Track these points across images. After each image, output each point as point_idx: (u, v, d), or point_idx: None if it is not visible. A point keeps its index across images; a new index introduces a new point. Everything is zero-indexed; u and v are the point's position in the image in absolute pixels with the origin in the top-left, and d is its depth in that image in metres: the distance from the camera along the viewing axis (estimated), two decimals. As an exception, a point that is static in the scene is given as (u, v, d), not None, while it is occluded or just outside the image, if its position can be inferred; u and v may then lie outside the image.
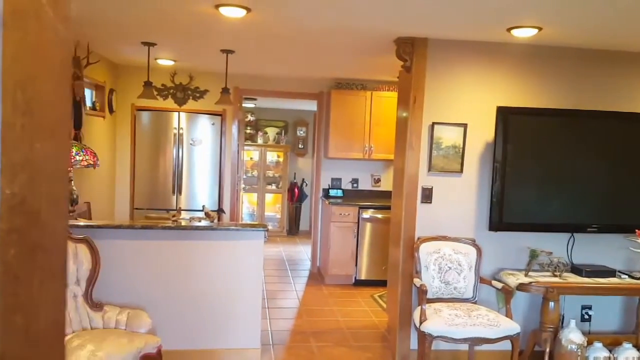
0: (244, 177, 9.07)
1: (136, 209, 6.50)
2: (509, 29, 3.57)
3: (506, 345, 3.59)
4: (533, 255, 3.96)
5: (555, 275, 3.91)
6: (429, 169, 4.07)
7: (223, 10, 3.35)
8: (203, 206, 4.40)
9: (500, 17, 3.34)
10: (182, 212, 4.55)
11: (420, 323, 3.54)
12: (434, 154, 4.05)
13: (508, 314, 3.65)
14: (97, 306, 3.31)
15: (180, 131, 6.50)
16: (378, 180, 6.93)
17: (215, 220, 4.20)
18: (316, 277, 6.72)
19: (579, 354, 3.65)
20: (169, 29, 4.15)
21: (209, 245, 3.89)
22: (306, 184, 9.75)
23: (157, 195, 6.54)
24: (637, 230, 3.83)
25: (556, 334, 3.78)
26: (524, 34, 3.63)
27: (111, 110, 6.06)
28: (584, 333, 3.77)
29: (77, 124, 4.35)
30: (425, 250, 3.93)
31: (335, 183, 6.86)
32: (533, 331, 3.99)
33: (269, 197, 9.76)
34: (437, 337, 3.48)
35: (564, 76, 4.13)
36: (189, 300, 3.87)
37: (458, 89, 4.06)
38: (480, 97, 4.08)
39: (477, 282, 3.94)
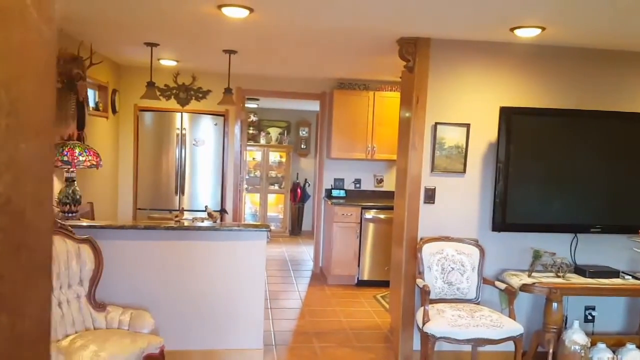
0: (247, 177, 9.07)
1: (139, 209, 6.51)
2: (512, 29, 3.56)
3: (509, 346, 3.58)
4: (536, 255, 3.94)
5: (559, 276, 3.89)
6: (432, 169, 4.06)
7: (226, 10, 3.35)
8: (206, 206, 4.41)
9: (503, 17, 3.33)
10: (185, 212, 4.55)
11: (423, 324, 3.53)
12: (437, 154, 4.04)
13: (511, 315, 3.64)
14: (100, 306, 3.31)
15: (183, 131, 6.51)
16: (381, 181, 6.92)
17: (218, 221, 4.20)
18: (319, 277, 6.71)
19: (583, 355, 3.63)
20: (171, 30, 4.15)
21: (212, 246, 3.89)
22: (309, 184, 9.75)
23: (160, 196, 6.54)
24: (641, 231, 3.81)
25: (559, 334, 3.76)
26: (527, 34, 3.61)
27: (114, 111, 6.07)
28: (587, 334, 3.75)
29: (80, 125, 4.35)
30: (428, 251, 3.92)
31: (338, 183, 6.85)
32: (536, 332, 3.97)
33: (271, 198, 9.76)
34: (440, 337, 3.47)
35: (568, 76, 4.11)
36: (192, 300, 3.87)
37: (461, 89, 4.05)
38: (483, 97, 4.06)
39: (480, 283, 3.93)
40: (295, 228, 9.75)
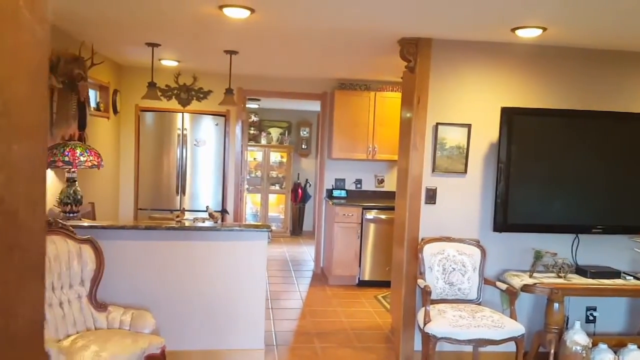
0: (248, 177, 9.07)
1: (140, 209, 6.52)
2: (513, 29, 3.55)
3: (511, 347, 3.58)
4: (537, 256, 3.93)
5: (560, 277, 3.88)
6: (433, 170, 4.05)
7: (227, 11, 3.35)
8: (207, 207, 4.41)
9: (504, 17, 3.32)
10: (186, 212, 4.55)
11: (424, 324, 3.53)
12: (438, 155, 4.03)
13: (512, 315, 3.63)
14: (101, 307, 3.32)
15: (184, 132, 6.51)
16: (382, 181, 6.92)
17: (219, 221, 4.20)
18: (320, 277, 6.71)
19: (584, 355, 3.62)
20: (173, 30, 4.16)
21: (213, 246, 3.89)
22: (310, 185, 9.75)
23: (161, 196, 6.55)
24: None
25: (561, 335, 3.75)
26: (528, 34, 3.61)
27: (115, 111, 6.08)
28: (588, 334, 3.75)
29: (82, 125, 4.35)
30: (429, 251, 3.92)
31: (339, 183, 6.85)
32: (537, 332, 3.97)
33: (272, 198, 9.76)
34: (441, 338, 3.46)
35: (569, 76, 4.10)
36: (193, 300, 3.87)
37: (462, 89, 4.04)
38: (484, 97, 4.06)
39: (481, 283, 3.92)
40: (296, 228, 9.75)
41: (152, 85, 5.09)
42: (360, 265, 6.26)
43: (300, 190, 9.63)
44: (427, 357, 3.55)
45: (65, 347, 2.88)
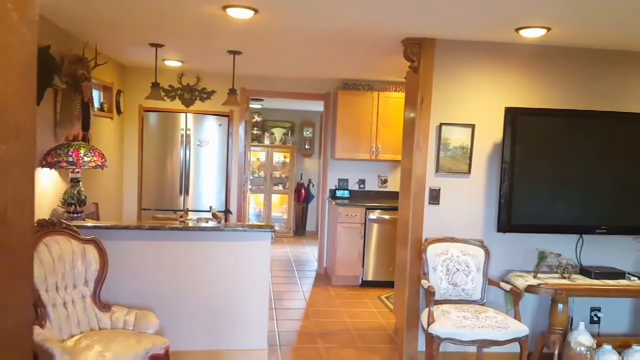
0: (251, 177, 9.08)
1: (144, 209, 6.53)
2: (517, 29, 3.55)
3: (515, 348, 3.57)
4: (542, 256, 3.93)
5: (564, 277, 3.87)
6: (437, 170, 4.05)
7: (230, 11, 3.35)
8: (210, 207, 4.41)
9: (508, 17, 3.32)
10: (190, 212, 4.56)
11: (428, 325, 3.52)
12: (442, 155, 4.03)
13: (516, 316, 3.63)
14: (105, 307, 3.32)
15: (188, 132, 6.52)
16: (385, 181, 6.92)
17: (222, 221, 4.20)
18: (323, 278, 6.71)
19: (588, 356, 3.61)
20: (176, 31, 4.16)
21: (216, 246, 3.90)
22: (313, 185, 9.75)
23: (165, 196, 6.56)
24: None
25: (565, 336, 3.75)
26: (532, 34, 3.60)
27: (119, 112, 6.08)
28: (593, 335, 3.74)
29: (85, 125, 4.36)
30: (432, 252, 3.91)
31: (342, 184, 6.85)
32: (542, 333, 3.96)
33: (275, 198, 9.76)
34: (445, 339, 3.46)
35: (573, 76, 4.09)
36: (197, 300, 3.87)
37: (466, 89, 4.04)
38: (488, 97, 4.05)
39: (485, 284, 3.92)
40: (300, 228, 9.75)
41: (155, 85, 5.09)
42: (363, 266, 6.26)
43: (303, 191, 9.63)
44: (431, 358, 3.55)
45: (69, 347, 2.88)
